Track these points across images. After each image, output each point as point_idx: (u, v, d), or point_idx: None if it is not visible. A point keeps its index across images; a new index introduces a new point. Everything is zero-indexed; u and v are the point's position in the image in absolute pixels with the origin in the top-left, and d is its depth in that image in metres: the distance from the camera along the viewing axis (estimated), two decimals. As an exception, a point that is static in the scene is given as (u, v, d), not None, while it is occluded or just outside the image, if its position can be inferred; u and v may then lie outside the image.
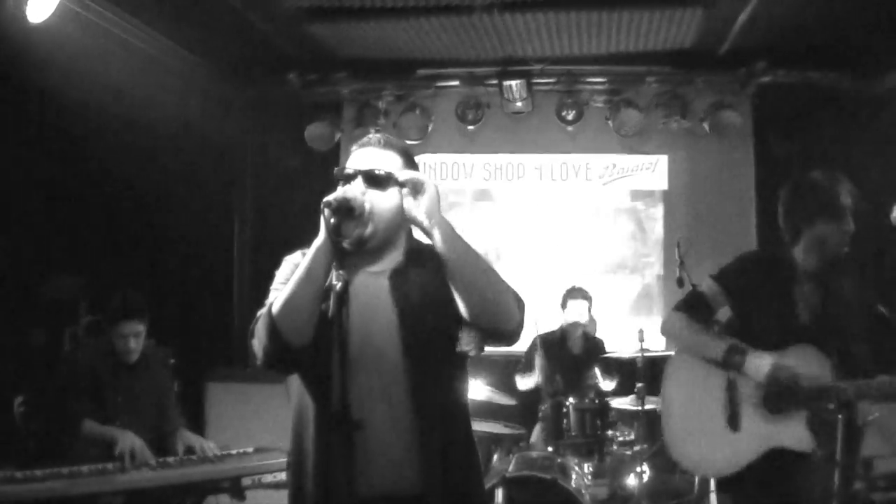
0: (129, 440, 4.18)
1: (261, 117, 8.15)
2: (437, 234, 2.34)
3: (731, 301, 3.53)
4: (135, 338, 4.57)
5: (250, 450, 4.51)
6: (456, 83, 7.89)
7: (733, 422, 3.38)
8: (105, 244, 6.16)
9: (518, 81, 7.45)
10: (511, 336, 2.49)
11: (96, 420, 4.35)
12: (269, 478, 4.32)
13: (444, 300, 2.44)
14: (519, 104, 7.67)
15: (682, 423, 3.56)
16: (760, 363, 3.29)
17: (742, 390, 3.39)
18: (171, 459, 4.30)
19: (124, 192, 6.28)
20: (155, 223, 6.62)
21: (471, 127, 7.92)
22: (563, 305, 6.75)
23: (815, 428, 3.21)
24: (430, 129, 7.91)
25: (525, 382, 6.41)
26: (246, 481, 4.30)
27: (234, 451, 4.49)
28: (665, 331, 3.77)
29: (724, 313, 3.65)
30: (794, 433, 3.26)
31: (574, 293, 6.75)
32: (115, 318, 4.54)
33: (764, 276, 3.49)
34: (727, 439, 3.38)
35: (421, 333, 2.48)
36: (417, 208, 2.36)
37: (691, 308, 3.57)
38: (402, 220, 2.55)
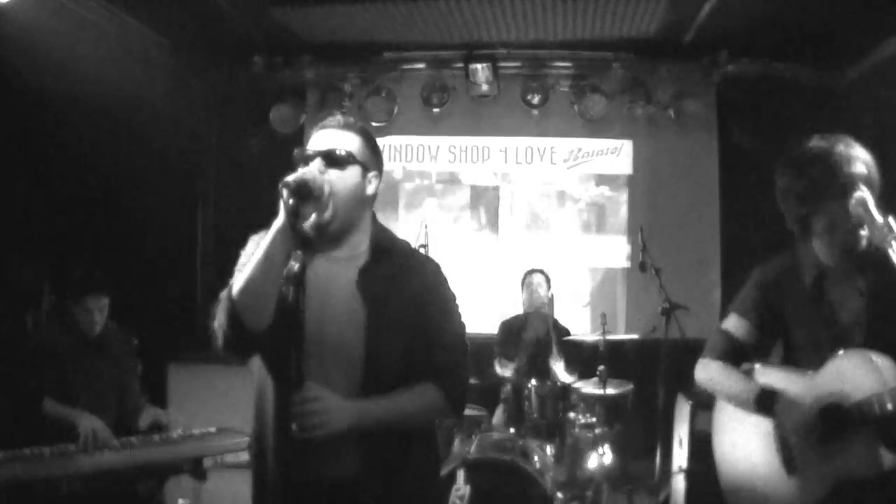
0: (89, 422, 4.14)
1: (225, 100, 8.12)
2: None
3: (763, 331, 3.02)
4: (99, 312, 4.53)
5: (212, 430, 4.50)
6: (421, 66, 7.93)
7: (790, 465, 2.83)
8: (67, 227, 6.09)
9: (484, 65, 7.48)
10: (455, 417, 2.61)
11: (59, 397, 4.29)
12: (230, 458, 4.32)
13: (416, 310, 2.50)
14: (484, 87, 7.70)
15: (741, 478, 3.02)
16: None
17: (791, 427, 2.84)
18: (133, 439, 4.26)
19: (87, 175, 6.20)
20: (118, 205, 6.54)
21: (436, 110, 7.97)
22: (523, 284, 6.77)
23: (890, 440, 2.58)
24: (395, 111, 7.95)
25: (505, 370, 6.45)
26: (207, 462, 4.30)
27: (196, 432, 4.47)
28: (700, 382, 3.14)
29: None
30: (859, 460, 2.65)
31: (532, 272, 6.77)
32: (80, 291, 4.50)
33: (788, 289, 2.95)
34: (788, 486, 2.83)
35: (387, 337, 2.46)
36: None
37: (724, 354, 3.06)
38: (364, 201, 2.56)
